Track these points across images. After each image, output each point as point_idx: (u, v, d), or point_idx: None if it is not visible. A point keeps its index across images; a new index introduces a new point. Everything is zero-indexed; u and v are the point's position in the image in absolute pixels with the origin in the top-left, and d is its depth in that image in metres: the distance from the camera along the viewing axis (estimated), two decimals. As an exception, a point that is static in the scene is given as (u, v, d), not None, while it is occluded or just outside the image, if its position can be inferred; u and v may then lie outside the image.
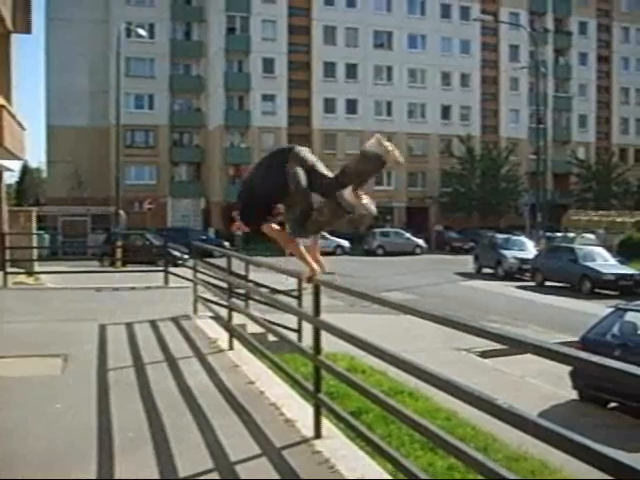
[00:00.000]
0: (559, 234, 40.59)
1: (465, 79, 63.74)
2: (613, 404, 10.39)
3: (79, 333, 9.27)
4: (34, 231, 22.11)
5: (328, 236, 47.36)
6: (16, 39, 18.01)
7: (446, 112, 63.13)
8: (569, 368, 10.46)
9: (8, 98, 14.74)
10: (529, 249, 32.23)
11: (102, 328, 9.57)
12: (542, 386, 11.35)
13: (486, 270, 32.11)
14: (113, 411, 5.70)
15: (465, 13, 62.23)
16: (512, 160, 59.32)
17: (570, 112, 67.06)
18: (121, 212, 37.90)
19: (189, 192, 59.25)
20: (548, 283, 27.11)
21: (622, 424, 9.31)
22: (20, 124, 14.65)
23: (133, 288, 15.10)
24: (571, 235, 37.79)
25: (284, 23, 58.44)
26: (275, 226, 5.03)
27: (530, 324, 16.92)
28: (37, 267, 19.33)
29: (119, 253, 24.93)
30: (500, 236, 36.13)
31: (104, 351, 8.19)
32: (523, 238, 36.12)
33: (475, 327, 3.17)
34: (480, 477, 5.45)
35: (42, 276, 18.25)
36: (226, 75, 57.40)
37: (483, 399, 2.98)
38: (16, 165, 20.19)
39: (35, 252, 20.85)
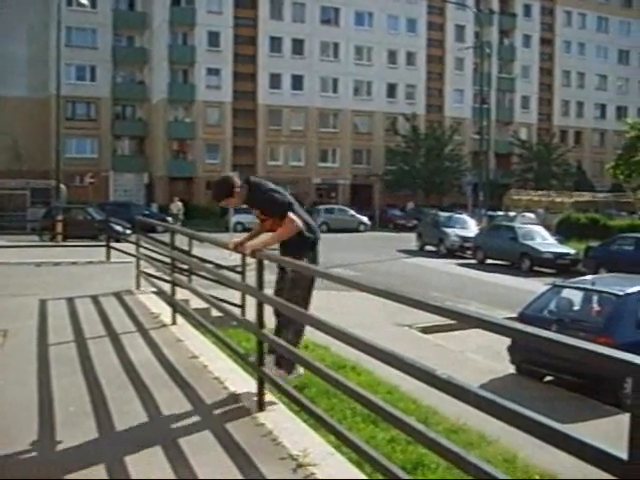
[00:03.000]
0: (500, 213, 41.35)
1: (411, 58, 64.01)
2: (549, 378, 10.69)
3: (19, 308, 9.10)
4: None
5: (272, 212, 47.25)
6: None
7: (392, 90, 63.36)
8: (507, 344, 10.73)
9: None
10: (471, 227, 32.73)
11: (42, 303, 9.41)
12: (481, 361, 11.60)
13: (429, 248, 32.51)
14: (54, 386, 5.64)
15: (412, -9, 62.37)
16: (456, 139, 59.98)
17: (513, 93, 68.08)
18: (62, 186, 37.10)
19: (132, 166, 58.30)
20: (489, 261, 27.61)
21: (557, 397, 9.59)
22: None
23: (74, 263, 14.87)
24: (512, 214, 38.50)
25: (230, -4, 57.64)
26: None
27: (471, 300, 17.23)
28: (-27, 241, 18.86)
29: (59, 227, 24.46)
30: (443, 214, 36.57)
31: (45, 326, 8.06)
32: (465, 216, 36.63)
33: (418, 300, 3.23)
34: (420, 448, 5.58)
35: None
36: (170, 48, 56.41)
37: (424, 371, 3.03)
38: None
39: (-29, 226, 20.32)
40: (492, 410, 2.68)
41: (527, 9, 68.82)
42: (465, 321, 2.95)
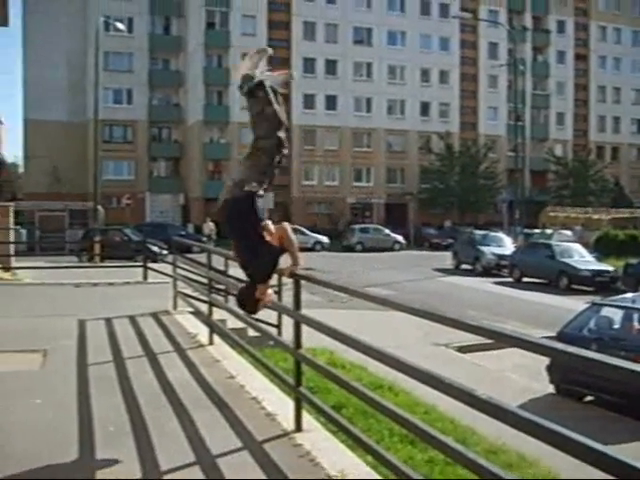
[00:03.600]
0: (537, 231, 40.92)
1: (444, 76, 63.99)
2: (589, 398, 10.52)
3: (58, 328, 9.21)
4: (11, 226, 21.91)
5: (307, 232, 47.44)
6: (-7, 32, 17.84)
7: (425, 109, 63.35)
8: (546, 363, 10.59)
9: (-15, 92, 14.60)
10: (507, 245, 32.45)
11: (81, 323, 9.52)
12: (519, 380, 11.47)
13: (464, 266, 32.29)
14: (94, 406, 5.69)
15: (444, 10, 62.41)
16: (490, 157, 59.68)
17: (548, 110, 67.60)
18: (99, 207, 37.59)
19: (168, 188, 58.95)
20: (525, 279, 27.32)
21: (597, 417, 9.43)
22: (-3, 118, 14.53)
23: (112, 284, 15.03)
24: (548, 232, 38.11)
25: (264, 18, 58.25)
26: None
27: (508, 319, 17.04)
28: (14, 262, 19.17)
29: (97, 249, 24.78)
30: (478, 232, 36.33)
31: (84, 346, 8.15)
32: (501, 234, 36.34)
33: (456, 320, 3.22)
34: (459, 468, 5.52)
35: (20, 272, 18.10)
36: (205, 70, 57.16)
37: (463, 390, 3.02)
38: (-7, 159, 19.98)
39: (12, 247, 20.66)
40: (532, 430, 2.65)
41: (561, 25, 68.46)
42: (503, 340, 2.94)
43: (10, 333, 8.92)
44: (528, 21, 66.67)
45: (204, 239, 38.74)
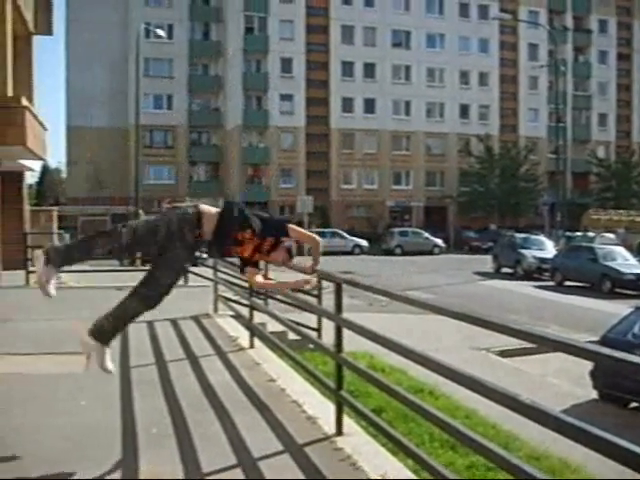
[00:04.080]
0: (578, 233, 40.29)
1: (484, 78, 63.53)
2: (634, 404, 10.34)
3: (101, 331, 9.32)
4: (55, 230, 22.32)
5: (346, 235, 47.46)
6: (37, 40, 18.18)
7: (464, 111, 62.96)
8: (589, 368, 10.43)
9: (30, 99, 14.89)
10: (548, 248, 32.06)
11: (124, 326, 9.62)
12: (562, 385, 11.32)
13: (505, 270, 31.98)
14: (136, 408, 5.76)
15: (483, 12, 61.97)
16: (531, 159, 58.98)
17: (590, 111, 66.66)
18: (140, 212, 38.07)
19: (208, 192, 59.35)
20: (567, 283, 26.96)
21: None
22: (42, 124, 14.80)
23: (153, 287, 15.14)
24: (591, 234, 37.52)
25: (302, 23, 58.48)
26: None
27: (550, 324, 16.83)
28: (58, 266, 19.47)
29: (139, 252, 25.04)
30: (519, 235, 35.97)
31: (126, 349, 8.25)
32: (542, 237, 35.95)
33: (499, 324, 3.19)
34: (501, 475, 5.47)
35: (63, 275, 18.39)
36: (244, 75, 57.57)
37: (506, 395, 2.99)
38: (37, 165, 20.40)
39: (56, 251, 21.01)
40: (577, 436, 2.62)
41: (603, 25, 67.44)
42: (547, 344, 2.90)
43: (55, 335, 9.08)
44: (569, 21, 65.85)
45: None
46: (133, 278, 16.48)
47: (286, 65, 58.08)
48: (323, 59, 59.59)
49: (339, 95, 59.49)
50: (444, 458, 6.28)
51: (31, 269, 16.01)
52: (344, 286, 5.12)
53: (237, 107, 57.60)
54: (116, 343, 8.41)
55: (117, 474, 4.34)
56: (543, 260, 29.89)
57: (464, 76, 62.99)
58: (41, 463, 4.48)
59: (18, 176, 17.84)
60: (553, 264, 28.62)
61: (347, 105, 59.72)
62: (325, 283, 9.38)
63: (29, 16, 16.38)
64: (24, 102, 12.35)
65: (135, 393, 6.21)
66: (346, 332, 5.15)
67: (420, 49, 61.40)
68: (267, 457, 4.59)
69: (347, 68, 59.80)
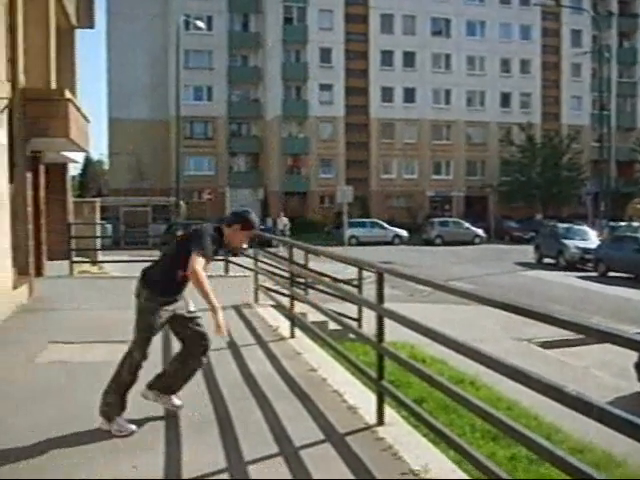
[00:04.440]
0: (623, 223, 39.57)
1: (525, 65, 62.63)
2: (681, 397, 10.14)
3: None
4: (97, 221, 22.63)
5: (386, 226, 47.33)
6: (79, 33, 18.40)
7: (506, 100, 62.18)
8: (634, 360, 10.25)
9: (73, 91, 15.07)
10: (592, 239, 31.54)
11: (166, 316, 9.73)
12: (605, 378, 11.14)
13: (547, 260, 31.57)
14: (179, 395, 5.82)
15: (525, -2, 61.04)
16: (574, 148, 57.99)
17: (635, 98, 65.29)
18: (181, 202, 38.47)
19: (247, 182, 59.72)
20: (612, 273, 26.51)
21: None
22: (85, 117, 14.97)
23: (194, 277, 15.28)
24: (635, 224, 36.82)
25: (341, 12, 58.24)
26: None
27: (593, 315, 16.58)
28: (100, 256, 19.79)
29: (180, 243, 25.27)
30: (561, 225, 35.47)
31: (168, 338, 8.32)
32: (585, 227, 35.36)
33: (543, 313, 3.15)
34: (543, 467, 5.42)
35: (105, 265, 18.68)
36: (284, 65, 57.58)
37: (551, 386, 2.95)
38: (80, 157, 20.70)
39: (98, 242, 21.34)
40: (627, 429, 2.56)
41: (649, 9, 65.92)
42: (594, 335, 2.84)
43: (99, 325, 9.23)
44: (614, 6, 64.33)
45: (277, 234, 39.10)
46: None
47: (325, 55, 57.94)
48: (362, 48, 59.30)
49: (378, 84, 59.18)
50: (485, 449, 6.24)
51: (75, 259, 16.30)
52: (385, 276, 5.11)
53: (276, 98, 57.68)
54: (159, 335, 8.54)
55: (161, 460, 4.39)
56: (586, 250, 29.42)
57: (505, 64, 62.17)
58: (82, 453, 4.55)
59: (62, 168, 18.10)
60: (596, 254, 28.16)
61: (387, 94, 59.40)
62: (366, 273, 9.38)
63: (71, 10, 16.57)
64: (67, 95, 12.49)
65: (177, 382, 6.27)
66: (385, 322, 5.13)
67: (460, 37, 60.73)
68: (308, 446, 4.61)
69: (386, 57, 59.44)
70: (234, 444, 4.67)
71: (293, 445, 4.65)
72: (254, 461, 4.36)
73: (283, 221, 40.66)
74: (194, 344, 5.20)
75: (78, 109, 13.71)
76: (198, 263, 4.83)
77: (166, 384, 5.27)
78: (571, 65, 63.53)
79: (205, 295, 4.78)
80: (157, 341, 5.54)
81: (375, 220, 49.44)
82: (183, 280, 5.02)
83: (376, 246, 41.52)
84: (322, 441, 4.73)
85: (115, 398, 4.99)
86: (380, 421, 5.03)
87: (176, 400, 5.33)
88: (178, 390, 5.31)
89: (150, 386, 5.26)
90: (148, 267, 5.19)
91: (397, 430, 4.94)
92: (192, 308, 5.29)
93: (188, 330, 5.20)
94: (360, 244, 43.12)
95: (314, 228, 50.68)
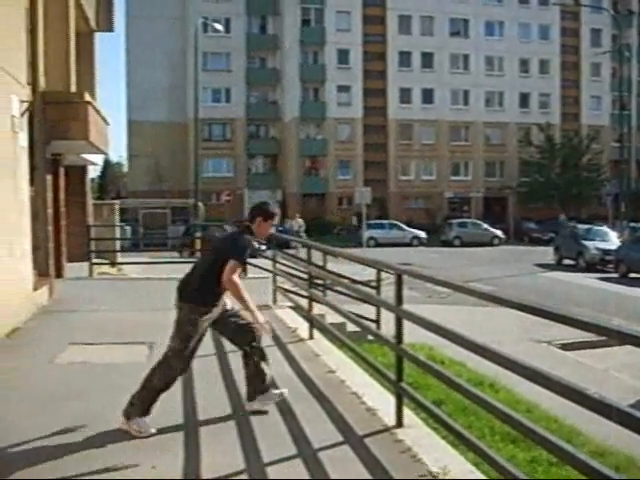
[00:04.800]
0: (644, 224, 39.26)
1: (544, 66, 62.28)
2: None
3: (163, 322, 9.40)
4: (117, 223, 22.77)
5: (404, 227, 47.25)
6: (99, 36, 18.53)
7: (524, 100, 61.87)
8: (656, 362, 10.15)
9: (92, 94, 15.19)
10: (612, 240, 31.27)
11: (184, 317, 9.76)
12: (627, 380, 11.04)
13: (567, 261, 31.34)
14: (198, 397, 5.85)
15: (544, -3, 60.72)
16: (594, 148, 57.56)
17: (656, 97, 64.69)
18: (200, 204, 38.58)
19: (266, 184, 59.80)
20: (633, 275, 26.25)
21: None
22: (104, 119, 15.08)
23: (213, 278, 15.32)
24: (657, 225, 36.50)
25: (358, 14, 58.23)
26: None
27: (614, 317, 16.41)
28: (120, 258, 19.90)
29: (198, 244, 25.39)
30: (581, 226, 35.21)
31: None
32: (606, 228, 35.06)
33: (561, 315, 3.12)
34: (564, 470, 5.37)
35: (125, 266, 18.78)
36: (301, 67, 57.66)
37: (572, 388, 2.92)
38: (99, 159, 20.88)
39: (118, 243, 21.47)
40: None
41: (670, 8, 65.28)
42: (613, 336, 2.81)
43: (118, 326, 9.27)
44: (634, 4, 63.67)
45: (293, 235, 39.03)
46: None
47: (343, 56, 57.95)
48: (380, 50, 59.25)
49: (396, 86, 59.10)
50: (505, 452, 6.19)
51: (94, 261, 16.40)
52: (404, 277, 5.09)
53: (294, 99, 57.76)
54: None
55: (179, 461, 4.40)
56: (606, 251, 29.18)
57: (524, 64, 61.87)
58: (101, 454, 4.57)
59: (81, 170, 18.23)
60: (617, 255, 27.91)
61: (405, 96, 59.29)
62: (384, 274, 9.36)
63: (91, 13, 16.70)
64: (87, 97, 12.59)
65: (196, 383, 6.29)
66: (405, 323, 5.11)
67: (479, 37, 60.52)
68: (327, 448, 4.61)
69: (404, 58, 59.35)
70: (253, 445, 4.67)
71: (312, 446, 4.64)
72: (272, 462, 4.36)
73: (299, 222, 40.25)
74: (242, 336, 5.32)
75: (97, 111, 13.81)
76: (234, 272, 4.95)
77: (257, 386, 5.37)
78: (591, 65, 63.10)
79: (243, 302, 4.98)
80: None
81: (393, 221, 49.36)
82: (222, 290, 5.10)
83: (394, 247, 41.43)
84: (341, 443, 4.73)
85: (141, 401, 5.02)
86: (399, 423, 5.02)
87: (276, 390, 5.44)
88: (269, 381, 5.39)
89: (250, 398, 5.40)
90: (185, 280, 5.23)
91: (416, 432, 4.93)
92: (229, 307, 5.38)
93: (232, 325, 5.33)
94: (378, 245, 43.07)
95: (333, 229, 50.75)
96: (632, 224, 37.13)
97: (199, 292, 5.04)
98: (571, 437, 6.99)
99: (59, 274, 14.24)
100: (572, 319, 3.05)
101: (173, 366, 5.05)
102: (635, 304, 19.31)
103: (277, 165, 61.60)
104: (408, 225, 48.74)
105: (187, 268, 5.44)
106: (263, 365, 5.34)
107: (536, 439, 3.36)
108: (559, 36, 62.75)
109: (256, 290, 12.53)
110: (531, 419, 7.03)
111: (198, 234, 27.39)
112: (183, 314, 5.05)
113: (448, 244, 45.76)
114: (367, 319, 9.23)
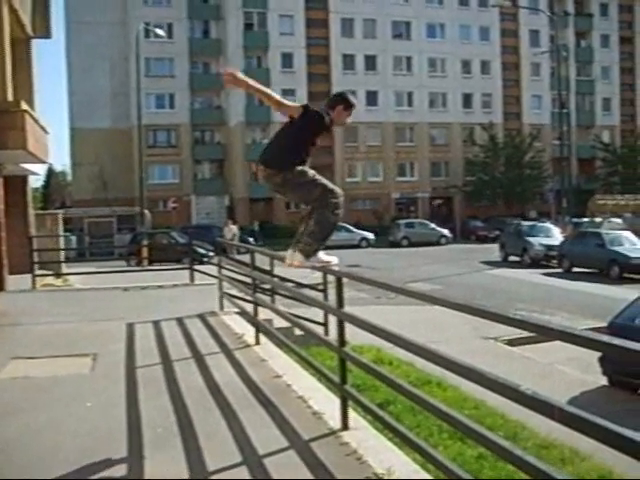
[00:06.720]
0: (585, 219, 40.15)
1: (485, 66, 63.30)
2: (644, 389, 10.28)
3: (107, 332, 9.35)
4: (61, 233, 22.36)
5: (352, 229, 47.40)
6: (37, 43, 18.19)
7: (467, 100, 62.78)
8: (598, 354, 10.37)
9: (30, 102, 14.90)
10: (555, 235, 31.92)
11: (130, 327, 9.66)
12: (571, 373, 11.26)
13: (512, 258, 31.89)
14: (142, 408, 5.76)
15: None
16: (536, 146, 58.77)
17: (593, 95, 66.36)
18: (146, 212, 38.16)
19: (213, 189, 59.42)
20: (576, 269, 26.85)
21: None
22: (43, 128, 14.80)
23: (160, 286, 15.22)
24: (598, 220, 37.37)
25: (301, 17, 58.37)
26: None
27: (558, 311, 16.78)
28: (65, 268, 19.55)
29: (145, 252, 25.12)
30: (525, 223, 35.85)
31: (132, 349, 8.26)
32: (549, 225, 35.78)
33: (498, 314, 3.15)
34: (509, 465, 5.44)
35: (70, 277, 18.45)
36: (245, 72, 55.65)
37: (508, 386, 2.95)
38: (41, 169, 20.48)
39: (62, 254, 21.08)
40: (582, 427, 2.57)
41: (604, 8, 67.02)
42: (547, 334, 2.84)
43: (61, 338, 9.09)
44: (570, 6, 65.43)
45: (250, 239, 38.79)
46: (140, 278, 16.61)
47: (287, 60, 57.98)
48: (324, 53, 59.47)
49: (341, 88, 58.71)
50: (453, 449, 6.24)
51: (37, 273, 16.07)
52: (350, 280, 5.10)
53: (239, 104, 57.51)
54: (122, 344, 8.46)
55: (122, 474, 4.33)
56: (550, 247, 29.78)
57: (466, 65, 62.80)
58: (46, 466, 4.47)
59: (22, 180, 17.87)
60: (560, 251, 28.51)
61: (349, 98, 59.43)
62: (330, 277, 9.37)
63: (27, 20, 16.38)
64: (24, 106, 12.34)
65: (141, 393, 6.21)
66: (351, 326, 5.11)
67: (421, 39, 61.21)
68: (272, 454, 4.58)
69: (348, 61, 59.68)
70: (197, 455, 4.62)
71: (257, 453, 4.61)
72: (217, 471, 4.31)
73: (232, 230, 36.55)
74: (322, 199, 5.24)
75: (36, 120, 13.54)
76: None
77: (306, 248, 5.31)
78: (530, 65, 64.39)
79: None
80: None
81: (341, 223, 49.42)
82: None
83: (343, 249, 41.54)
84: (286, 448, 4.70)
85: (319, 241, 5.23)
86: (345, 426, 5.02)
87: (323, 256, 5.39)
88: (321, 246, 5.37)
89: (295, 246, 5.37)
90: (269, 149, 5.62)
91: (362, 434, 4.93)
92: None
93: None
94: (327, 248, 43.00)
95: (282, 233, 50.59)
96: (574, 220, 37.97)
97: (291, 157, 5.37)
98: (517, 432, 7.09)
99: (0, 287, 13.91)
100: (506, 317, 3.07)
101: (325, 195, 5.15)
102: (579, 298, 19.73)
103: (224, 170, 61.24)
104: (356, 227, 48.94)
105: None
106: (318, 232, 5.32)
107: (474, 436, 3.39)
108: (499, 37, 63.92)
109: (203, 297, 12.51)
110: (478, 416, 7.15)
111: (145, 242, 27.08)
112: (286, 178, 5.17)
113: (396, 245, 46.11)
114: (316, 322, 9.24)
